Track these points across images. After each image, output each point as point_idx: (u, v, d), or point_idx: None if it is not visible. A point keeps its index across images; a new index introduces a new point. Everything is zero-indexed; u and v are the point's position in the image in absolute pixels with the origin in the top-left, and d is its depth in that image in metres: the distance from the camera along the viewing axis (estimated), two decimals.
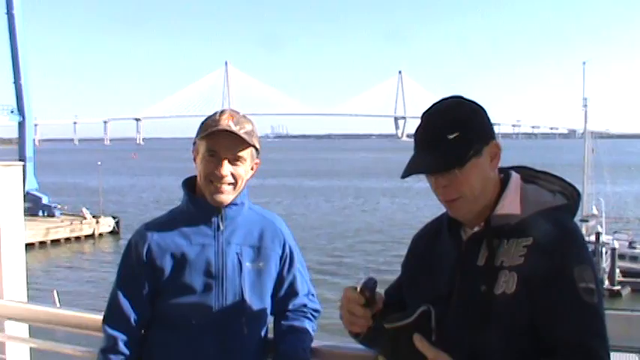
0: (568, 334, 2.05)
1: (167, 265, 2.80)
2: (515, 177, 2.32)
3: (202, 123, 2.83)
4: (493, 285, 2.13)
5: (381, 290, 2.35)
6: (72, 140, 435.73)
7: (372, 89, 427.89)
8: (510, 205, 2.23)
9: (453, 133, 2.17)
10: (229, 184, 2.79)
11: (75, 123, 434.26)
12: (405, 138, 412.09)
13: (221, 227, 2.84)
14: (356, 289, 2.28)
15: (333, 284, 26.95)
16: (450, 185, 2.19)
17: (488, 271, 2.16)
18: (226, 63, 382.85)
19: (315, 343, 2.99)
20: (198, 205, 2.85)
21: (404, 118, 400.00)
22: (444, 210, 2.35)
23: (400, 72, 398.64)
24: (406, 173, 2.21)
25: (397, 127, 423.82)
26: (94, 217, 48.60)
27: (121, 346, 2.83)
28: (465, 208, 2.22)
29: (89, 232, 47.78)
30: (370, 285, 2.29)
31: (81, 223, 47.76)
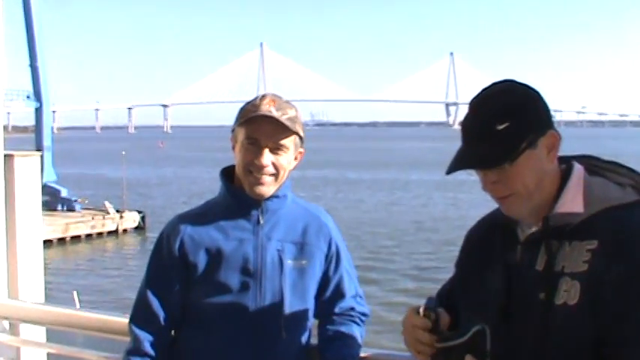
0: None
1: (201, 260, 2.82)
2: (577, 169, 2.23)
3: (241, 109, 2.85)
4: (553, 294, 2.07)
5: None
6: (94, 128, 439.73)
7: (420, 72, 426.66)
8: (572, 201, 2.15)
9: (502, 123, 2.09)
10: (270, 174, 2.81)
11: (97, 110, 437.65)
12: (456, 126, 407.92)
13: (261, 221, 2.85)
14: (419, 312, 2.22)
15: (376, 292, 26.89)
16: (500, 181, 2.13)
17: (547, 277, 2.10)
18: (262, 44, 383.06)
19: (363, 351, 2.98)
20: (237, 197, 2.87)
21: (456, 104, 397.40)
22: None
23: (452, 54, 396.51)
24: (451, 169, 2.16)
25: (448, 114, 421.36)
26: (117, 211, 48.62)
27: (148, 348, 2.85)
28: (518, 206, 2.15)
29: (112, 227, 47.86)
30: (432, 306, 2.23)
31: (103, 218, 47.84)
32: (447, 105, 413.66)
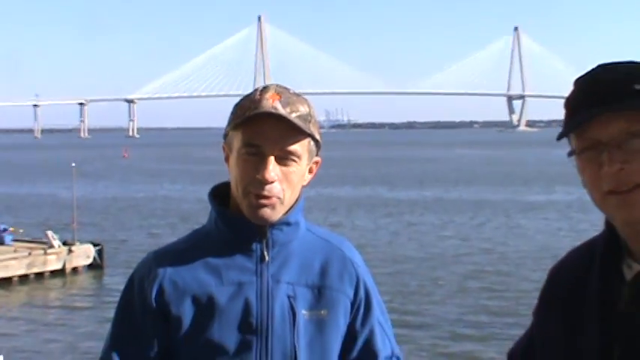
0: None
1: (186, 313, 2.80)
2: None
3: (236, 106, 2.84)
4: None
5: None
6: (31, 131, 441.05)
7: (472, 57, 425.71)
8: None
9: None
10: (277, 192, 2.78)
11: (35, 106, 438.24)
12: (523, 127, 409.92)
13: (266, 258, 2.84)
14: None
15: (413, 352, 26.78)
16: (632, 162, 2.11)
17: None
18: (259, 18, 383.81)
19: None
20: (233, 226, 2.86)
21: (522, 97, 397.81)
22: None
23: (517, 29, 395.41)
24: (575, 123, 2.18)
25: (512, 112, 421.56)
26: (64, 244, 48.24)
27: None
28: None
29: (57, 266, 47.36)
30: None
31: (45, 253, 47.46)
32: (510, 99, 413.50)
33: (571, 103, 2.22)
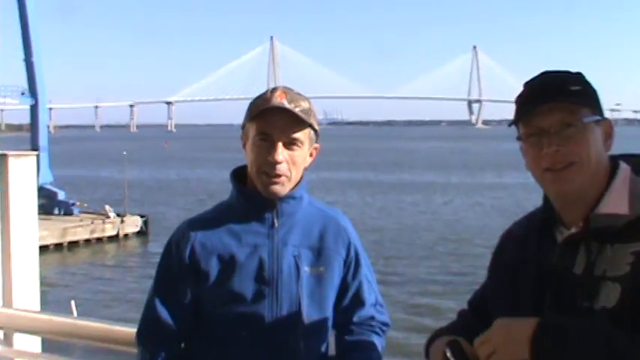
0: None
1: (213, 268, 2.82)
2: (624, 168, 2.25)
3: (251, 103, 2.86)
4: (593, 299, 2.07)
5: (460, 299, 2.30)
6: (93, 127, 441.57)
7: (440, 69, 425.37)
8: (616, 202, 2.16)
9: (575, 85, 2.20)
10: (285, 172, 2.81)
11: (96, 107, 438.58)
12: (480, 125, 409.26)
13: (276, 225, 2.86)
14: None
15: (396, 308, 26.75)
16: (566, 145, 2.16)
17: (587, 281, 2.10)
18: (272, 38, 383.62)
19: None
20: (250, 199, 2.87)
21: (479, 101, 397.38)
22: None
23: (475, 47, 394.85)
24: (524, 112, 2.23)
25: (471, 113, 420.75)
26: (118, 215, 48.51)
27: None
28: (577, 179, 2.17)
29: (113, 232, 47.75)
30: (457, 351, 2.21)
31: (103, 222, 47.72)
32: (470, 102, 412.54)
33: (520, 99, 2.26)
